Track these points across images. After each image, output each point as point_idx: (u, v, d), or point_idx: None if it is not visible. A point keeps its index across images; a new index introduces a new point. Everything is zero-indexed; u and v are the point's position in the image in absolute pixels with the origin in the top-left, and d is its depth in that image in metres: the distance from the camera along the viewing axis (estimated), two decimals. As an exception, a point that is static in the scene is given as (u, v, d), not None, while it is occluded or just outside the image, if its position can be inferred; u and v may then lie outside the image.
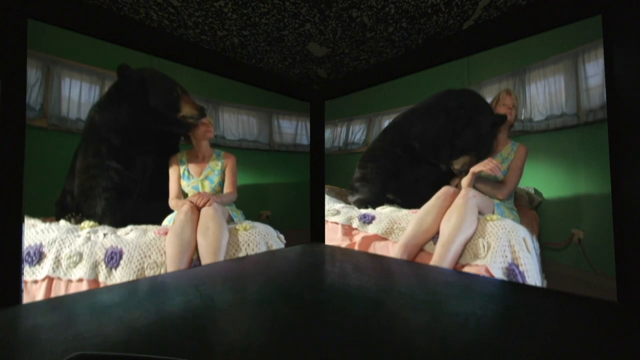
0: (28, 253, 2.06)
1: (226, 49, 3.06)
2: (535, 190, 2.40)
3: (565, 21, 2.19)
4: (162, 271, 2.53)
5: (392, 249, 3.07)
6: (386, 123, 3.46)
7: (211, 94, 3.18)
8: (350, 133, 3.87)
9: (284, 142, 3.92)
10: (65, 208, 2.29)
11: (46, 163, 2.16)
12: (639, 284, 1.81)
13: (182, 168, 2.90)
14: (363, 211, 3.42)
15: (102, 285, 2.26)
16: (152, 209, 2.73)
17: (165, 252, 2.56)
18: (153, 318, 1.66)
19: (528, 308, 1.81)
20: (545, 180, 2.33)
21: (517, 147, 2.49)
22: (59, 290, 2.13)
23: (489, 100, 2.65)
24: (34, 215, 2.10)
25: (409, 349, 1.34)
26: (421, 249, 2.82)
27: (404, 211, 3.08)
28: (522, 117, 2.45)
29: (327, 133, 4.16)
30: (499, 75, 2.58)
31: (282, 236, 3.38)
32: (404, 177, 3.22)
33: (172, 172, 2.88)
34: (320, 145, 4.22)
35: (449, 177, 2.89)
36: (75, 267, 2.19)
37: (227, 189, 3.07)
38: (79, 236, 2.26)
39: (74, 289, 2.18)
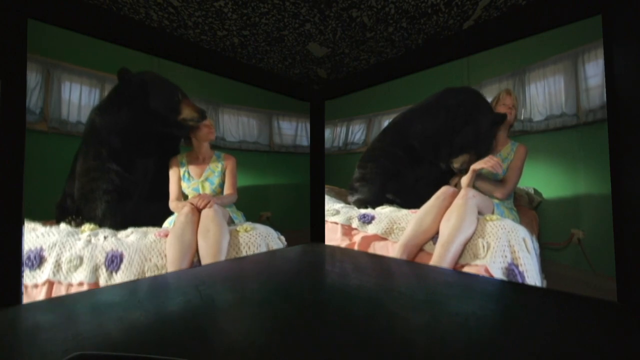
0: (28, 257, 2.05)
1: (226, 49, 3.06)
2: (535, 190, 2.40)
3: (565, 21, 2.19)
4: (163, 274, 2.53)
5: (391, 249, 3.07)
6: (386, 123, 3.46)
7: (211, 95, 3.18)
8: (350, 133, 3.87)
9: (284, 144, 3.92)
10: (66, 211, 2.29)
11: (46, 166, 2.16)
12: (639, 284, 1.81)
13: (182, 170, 2.90)
14: (363, 211, 3.42)
15: (102, 286, 2.26)
16: (153, 211, 2.72)
17: (165, 255, 2.55)
18: (153, 318, 1.66)
19: (528, 308, 1.81)
20: (545, 180, 2.33)
21: (517, 147, 2.49)
22: (60, 295, 2.13)
23: (489, 100, 2.65)
24: (35, 218, 2.10)
25: (409, 349, 1.34)
26: (421, 249, 2.82)
27: (404, 211, 3.08)
28: (522, 117, 2.45)
29: (327, 133, 4.16)
30: (499, 75, 2.58)
31: (282, 237, 3.39)
32: (403, 177, 3.22)
33: (172, 174, 2.87)
34: (320, 145, 4.22)
35: (449, 177, 2.89)
36: (75, 270, 2.19)
37: (227, 190, 3.07)
38: (79, 239, 2.26)
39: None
